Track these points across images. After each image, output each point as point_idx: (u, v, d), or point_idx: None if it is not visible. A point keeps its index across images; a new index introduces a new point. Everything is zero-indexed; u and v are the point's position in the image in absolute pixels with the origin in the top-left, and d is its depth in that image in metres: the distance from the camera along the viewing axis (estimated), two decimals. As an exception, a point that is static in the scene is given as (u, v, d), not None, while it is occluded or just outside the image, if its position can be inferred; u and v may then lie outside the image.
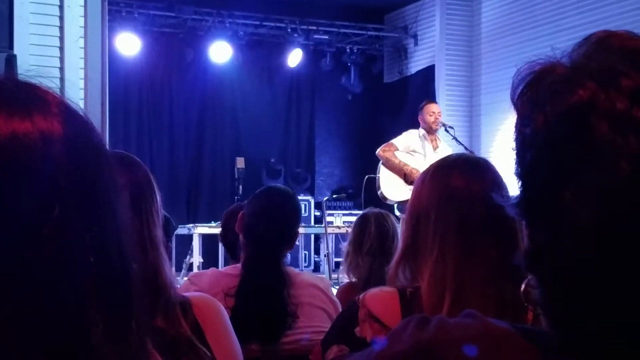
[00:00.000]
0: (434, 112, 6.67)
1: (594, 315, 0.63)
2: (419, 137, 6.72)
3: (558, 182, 0.64)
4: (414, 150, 6.68)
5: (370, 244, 3.30)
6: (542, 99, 0.66)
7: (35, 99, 0.66)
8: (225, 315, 1.63)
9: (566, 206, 0.63)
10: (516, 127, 0.69)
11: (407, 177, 6.57)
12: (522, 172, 0.68)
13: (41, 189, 0.63)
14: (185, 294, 1.60)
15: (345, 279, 3.53)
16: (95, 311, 0.65)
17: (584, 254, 0.63)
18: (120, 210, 0.70)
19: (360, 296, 1.57)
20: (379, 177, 6.74)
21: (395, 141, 6.75)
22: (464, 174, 1.55)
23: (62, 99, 0.68)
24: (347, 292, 3.22)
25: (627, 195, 0.60)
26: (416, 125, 6.80)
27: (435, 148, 6.70)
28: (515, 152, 0.69)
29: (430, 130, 6.69)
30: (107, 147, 0.75)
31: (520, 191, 0.69)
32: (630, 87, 0.62)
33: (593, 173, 0.62)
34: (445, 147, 6.85)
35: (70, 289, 0.63)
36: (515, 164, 0.69)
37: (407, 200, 5.57)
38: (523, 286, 0.71)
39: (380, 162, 6.76)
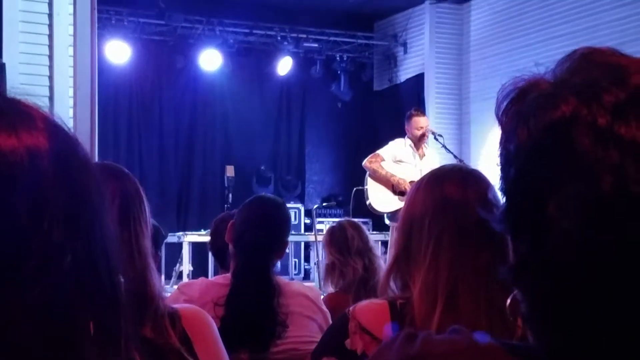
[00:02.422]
0: (421, 127, 6.59)
1: (578, 327, 0.64)
2: (406, 146, 6.69)
3: (542, 195, 0.64)
4: (401, 160, 6.66)
5: (356, 244, 3.43)
6: (525, 114, 0.67)
7: (20, 115, 0.67)
8: (214, 326, 1.63)
9: (550, 218, 0.64)
10: (501, 142, 0.70)
11: (394, 188, 6.56)
12: (507, 186, 0.69)
13: (29, 204, 0.63)
14: (174, 306, 1.60)
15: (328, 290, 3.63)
16: (82, 322, 0.65)
17: (568, 265, 0.64)
18: (107, 223, 0.71)
19: (351, 308, 1.57)
20: (366, 188, 6.72)
21: (381, 151, 6.72)
22: (458, 183, 1.57)
23: (47, 114, 0.69)
24: (336, 299, 3.25)
25: (610, 207, 0.61)
26: (405, 133, 6.78)
27: (422, 156, 6.69)
28: (500, 167, 0.70)
29: (418, 142, 6.69)
30: (96, 156, 0.75)
31: (505, 205, 0.70)
32: (612, 102, 0.63)
33: (576, 186, 0.62)
34: (432, 155, 6.85)
35: (58, 301, 0.64)
36: (500, 179, 0.70)
37: (396, 210, 5.77)
38: (509, 300, 0.71)
39: (367, 173, 6.74)
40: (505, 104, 0.70)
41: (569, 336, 0.65)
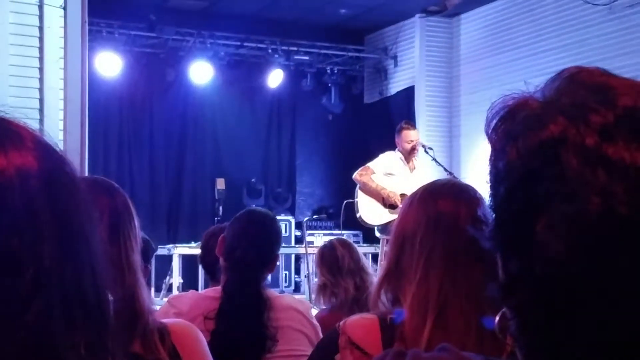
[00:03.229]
0: (412, 141, 6.62)
1: (566, 345, 0.64)
2: (396, 159, 6.71)
3: (530, 215, 0.65)
4: (391, 173, 6.67)
5: (347, 264, 3.42)
6: (515, 133, 0.67)
7: (9, 134, 0.67)
8: (204, 341, 1.62)
9: (538, 238, 0.64)
10: (490, 160, 0.70)
11: (385, 201, 6.57)
12: (496, 205, 0.69)
13: (17, 223, 0.63)
14: (164, 321, 1.59)
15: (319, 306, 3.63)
16: (69, 340, 0.65)
17: (556, 284, 0.64)
18: (95, 242, 0.71)
19: (341, 323, 1.57)
20: (357, 201, 6.72)
21: (372, 164, 6.73)
22: (452, 199, 1.57)
23: (36, 133, 0.69)
24: (329, 320, 3.25)
25: (598, 228, 0.62)
26: (396, 146, 6.79)
27: (412, 169, 6.71)
28: (489, 185, 0.70)
29: (408, 155, 6.70)
30: (87, 168, 0.75)
31: (494, 223, 0.70)
32: (600, 123, 0.63)
33: (564, 206, 0.63)
34: (423, 168, 6.86)
35: (45, 319, 0.64)
36: (490, 196, 0.70)
37: (387, 222, 5.76)
38: (498, 318, 0.71)
39: (358, 186, 6.74)
40: (494, 122, 0.70)
41: (559, 353, 0.65)
